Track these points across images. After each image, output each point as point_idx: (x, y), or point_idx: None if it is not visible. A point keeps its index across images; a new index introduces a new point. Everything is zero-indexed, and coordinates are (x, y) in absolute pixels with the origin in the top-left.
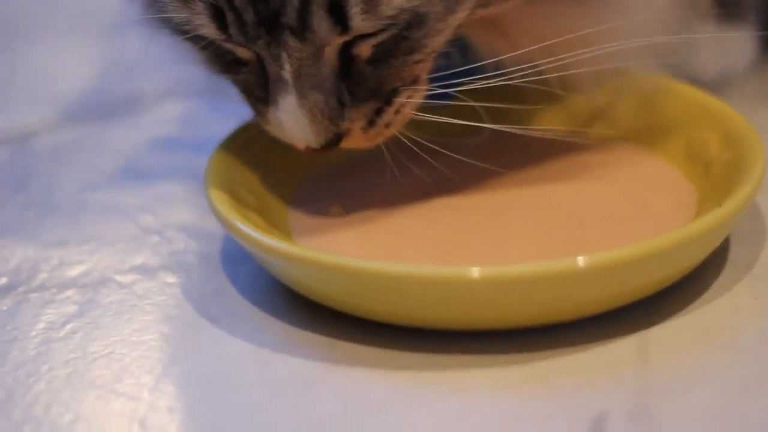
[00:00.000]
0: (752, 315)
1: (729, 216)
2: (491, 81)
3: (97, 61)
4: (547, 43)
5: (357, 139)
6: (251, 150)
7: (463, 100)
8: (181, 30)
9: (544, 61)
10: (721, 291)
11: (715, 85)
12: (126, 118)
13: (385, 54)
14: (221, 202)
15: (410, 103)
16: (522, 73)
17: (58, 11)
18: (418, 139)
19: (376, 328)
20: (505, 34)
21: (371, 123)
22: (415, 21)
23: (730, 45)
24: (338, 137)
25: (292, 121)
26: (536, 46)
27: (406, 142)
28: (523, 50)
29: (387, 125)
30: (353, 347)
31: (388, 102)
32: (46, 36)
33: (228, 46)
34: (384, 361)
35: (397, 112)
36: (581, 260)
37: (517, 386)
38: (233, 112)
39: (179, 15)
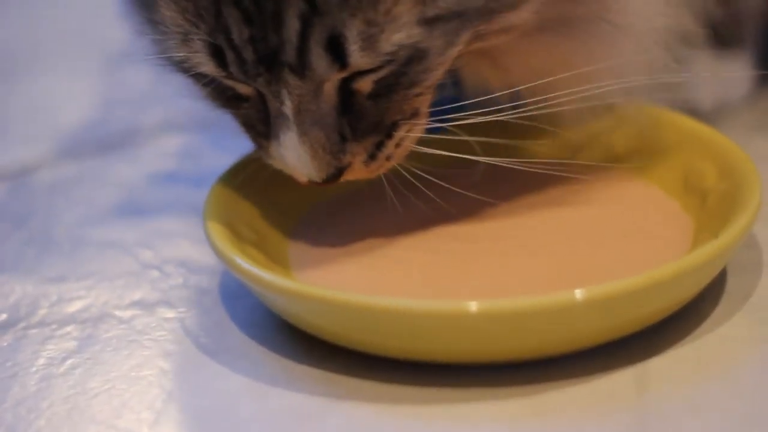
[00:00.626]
0: (750, 346)
1: (726, 247)
2: (485, 116)
3: (96, 96)
4: (542, 81)
5: (358, 172)
6: (250, 184)
7: (457, 134)
8: (181, 67)
9: (538, 98)
10: (719, 322)
11: (712, 116)
12: (125, 152)
13: (385, 89)
14: (219, 236)
15: (410, 136)
16: (516, 110)
17: (57, 45)
18: (417, 171)
19: (375, 362)
20: (499, 68)
21: (372, 156)
22: (415, 56)
23: (726, 76)
24: (340, 171)
25: (294, 156)
26: (531, 84)
27: (405, 174)
28: (517, 86)
29: (388, 158)
30: (352, 382)
31: (389, 135)
32: (44, 70)
33: (228, 82)
34: (383, 395)
35: (397, 145)
36: (579, 293)
37: (517, 419)
38: (232, 146)
39: (179, 53)
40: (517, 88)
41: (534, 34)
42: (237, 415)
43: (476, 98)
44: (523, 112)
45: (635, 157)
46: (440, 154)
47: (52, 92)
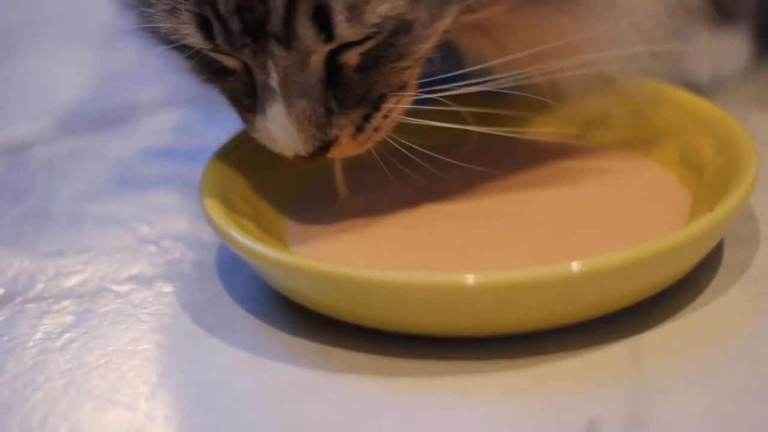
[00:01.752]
0: (746, 318)
1: (722, 220)
2: (478, 86)
3: (92, 72)
4: (535, 49)
5: (346, 146)
6: (246, 158)
7: (448, 105)
8: (168, 39)
9: (533, 68)
10: (715, 294)
11: (709, 90)
12: (121, 128)
13: (372, 61)
14: (216, 211)
15: (398, 108)
16: (511, 79)
17: (53, 22)
18: (411, 145)
19: (372, 335)
20: (493, 39)
21: (360, 129)
22: (401, 28)
23: (723, 49)
24: (327, 145)
25: (280, 129)
26: (525, 52)
27: (399, 147)
28: (511, 55)
29: (376, 130)
30: (349, 355)
31: (377, 107)
32: (40, 47)
33: (214, 55)
34: (380, 368)
35: (385, 117)
36: (575, 266)
37: (512, 392)
38: (228, 120)
39: (165, 24)
40: (512, 56)
41: (526, 6)
42: (234, 389)
43: (472, 68)
44: (520, 81)
45: (632, 131)
46: (433, 127)
47: (49, 69)
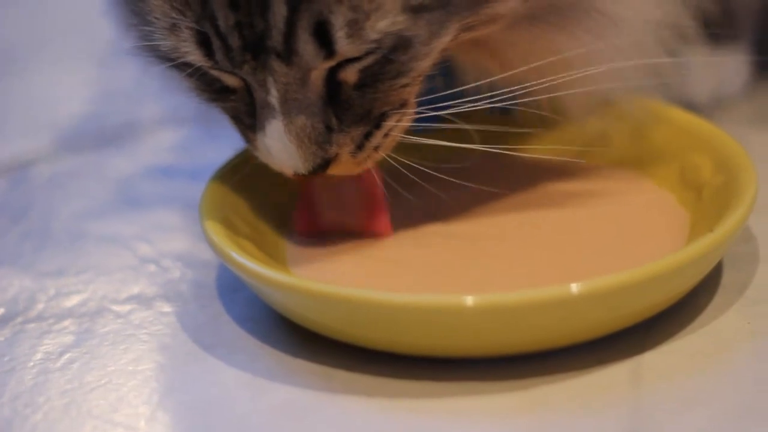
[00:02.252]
0: (745, 339)
1: (721, 241)
2: (480, 104)
3: (93, 90)
4: (536, 64)
5: (345, 164)
6: (247, 179)
7: (454, 123)
8: (168, 57)
9: (534, 83)
10: (714, 315)
11: (707, 109)
12: (122, 146)
13: (371, 78)
14: (216, 231)
15: (399, 126)
16: (512, 95)
17: (53, 40)
18: (410, 163)
19: (372, 356)
20: (494, 55)
21: (360, 147)
22: (400, 45)
23: (722, 68)
24: (326, 162)
25: (280, 146)
26: (524, 68)
27: (397, 166)
28: (513, 71)
29: (376, 149)
30: (349, 376)
31: (377, 126)
32: (41, 65)
33: (215, 73)
34: (380, 389)
35: (385, 135)
36: (574, 287)
37: (512, 412)
38: (228, 139)
39: (166, 42)
40: (513, 71)
41: (524, 24)
42: (233, 409)
43: (469, 86)
44: (521, 98)
45: (631, 150)
46: (432, 145)
47: (50, 86)
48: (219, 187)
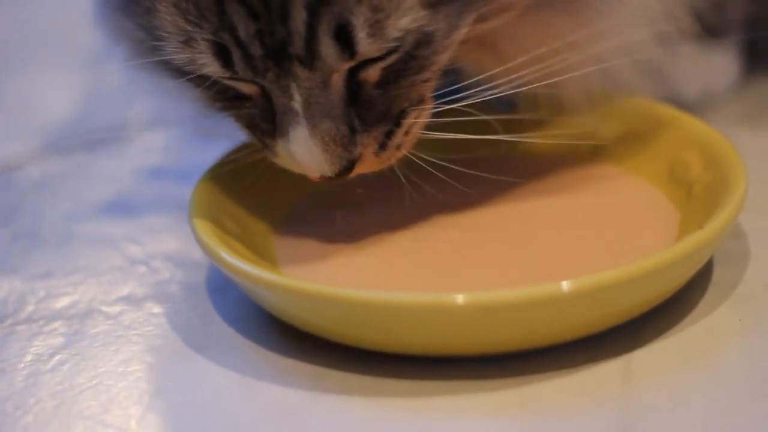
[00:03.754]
0: (736, 336)
1: (711, 238)
2: (485, 95)
3: (81, 92)
4: (541, 51)
5: (369, 164)
6: (236, 179)
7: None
8: (182, 71)
9: (531, 70)
10: (705, 312)
11: (697, 107)
12: (111, 148)
13: (394, 76)
14: (205, 231)
15: (419, 122)
16: (510, 84)
17: (42, 42)
18: (417, 159)
19: (363, 355)
20: (492, 48)
21: (382, 146)
22: (422, 40)
23: (712, 66)
24: (351, 163)
25: (305, 151)
26: (524, 57)
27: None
28: (511, 63)
29: (398, 147)
30: (340, 375)
31: (398, 124)
32: (29, 67)
33: (230, 82)
34: (371, 388)
35: (406, 133)
36: (565, 285)
37: (504, 410)
38: (218, 141)
39: (181, 56)
40: (509, 65)
41: (530, 13)
42: (224, 410)
43: (471, 80)
44: (518, 87)
45: (621, 148)
46: (425, 140)
47: (38, 89)
48: (208, 187)
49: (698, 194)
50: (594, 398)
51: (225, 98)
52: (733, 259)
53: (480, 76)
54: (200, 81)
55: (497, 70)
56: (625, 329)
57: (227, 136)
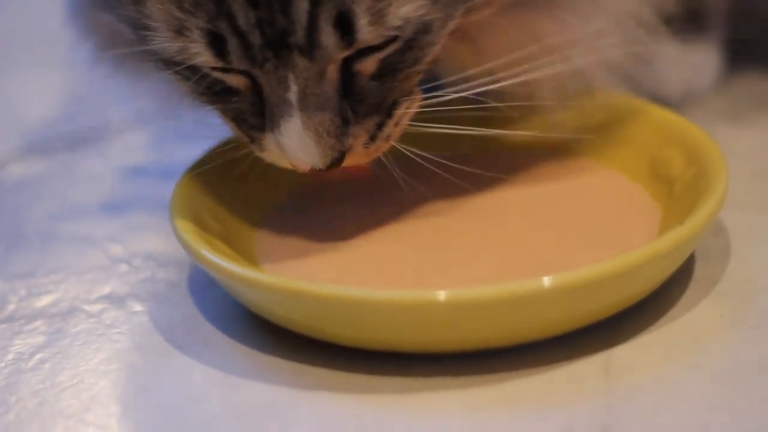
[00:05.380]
0: (718, 332)
1: (691, 234)
2: (465, 91)
3: (63, 91)
4: (515, 55)
5: (358, 155)
6: (217, 177)
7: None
8: (172, 61)
9: (510, 71)
10: (687, 308)
11: (679, 103)
12: (93, 147)
13: (390, 68)
14: (186, 230)
15: (408, 113)
16: (489, 82)
17: (22, 42)
18: (407, 152)
19: (345, 352)
20: (472, 45)
21: (373, 138)
22: (421, 30)
23: (693, 63)
24: (342, 155)
25: (297, 143)
26: (504, 59)
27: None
28: (491, 62)
29: (387, 138)
30: (322, 372)
31: (389, 115)
32: (10, 67)
33: (218, 75)
34: (353, 385)
35: (396, 124)
36: (546, 281)
37: (485, 407)
38: (199, 139)
39: (171, 46)
40: (488, 65)
41: (511, 12)
42: (206, 408)
43: (450, 78)
44: (495, 85)
45: (603, 145)
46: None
47: (19, 88)
48: (189, 185)
49: (680, 191)
50: (575, 394)
51: (211, 92)
52: (714, 255)
53: (458, 75)
54: (186, 73)
55: (476, 69)
56: (606, 325)
57: (205, 135)
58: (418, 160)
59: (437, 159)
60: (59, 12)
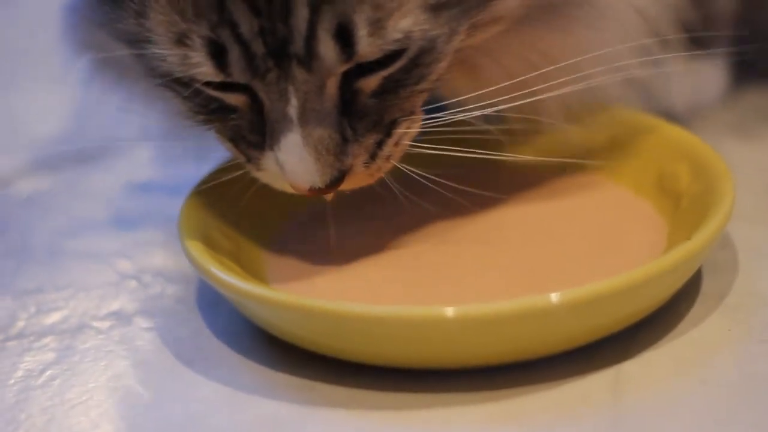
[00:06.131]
0: (725, 346)
1: (699, 249)
2: (468, 113)
3: (70, 107)
4: (518, 79)
5: (359, 176)
6: (226, 193)
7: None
8: (170, 73)
9: (512, 95)
10: (694, 323)
11: (686, 118)
12: (101, 162)
13: (393, 85)
14: (195, 246)
15: (409, 133)
16: (493, 105)
17: (30, 56)
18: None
19: (353, 369)
20: (469, 70)
21: (372, 157)
22: (426, 47)
23: (700, 77)
24: (342, 175)
25: (296, 160)
26: (506, 83)
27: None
28: (491, 86)
29: (387, 158)
30: (330, 389)
31: (389, 134)
32: (17, 83)
33: (216, 93)
34: (361, 402)
35: (396, 144)
36: (554, 297)
37: (493, 423)
38: (208, 155)
39: (172, 57)
40: (488, 89)
41: (516, 29)
42: (215, 424)
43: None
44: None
45: (609, 159)
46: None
47: (27, 104)
48: (198, 201)
49: (686, 205)
50: (583, 410)
51: (208, 110)
52: (721, 269)
53: (462, 97)
54: (184, 91)
55: (477, 93)
56: (614, 340)
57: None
58: (421, 180)
59: (440, 180)
60: (57, 33)
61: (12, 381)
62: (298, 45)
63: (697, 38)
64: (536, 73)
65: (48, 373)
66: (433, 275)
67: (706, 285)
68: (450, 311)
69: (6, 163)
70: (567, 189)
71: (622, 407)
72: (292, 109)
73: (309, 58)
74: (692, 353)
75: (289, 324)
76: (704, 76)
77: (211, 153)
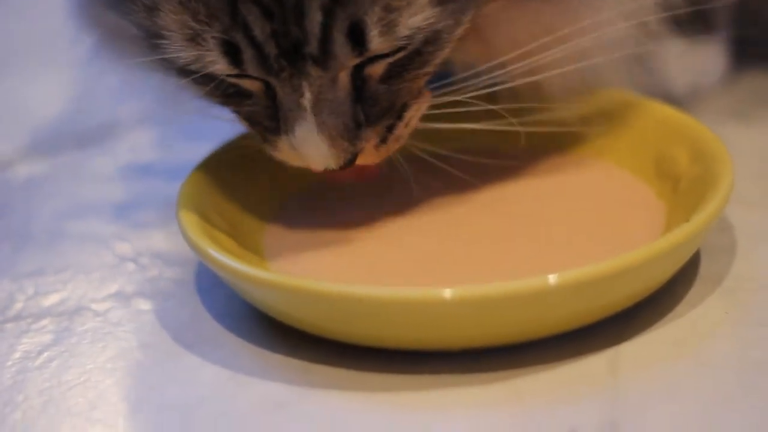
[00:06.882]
0: (723, 328)
1: (697, 231)
2: (481, 87)
3: (70, 90)
4: (524, 48)
5: (369, 156)
6: (224, 175)
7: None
8: (185, 69)
9: (519, 64)
10: (692, 305)
11: (685, 101)
12: (100, 145)
13: (398, 70)
14: (193, 228)
15: (417, 115)
16: (501, 76)
17: (30, 40)
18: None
19: (351, 350)
20: (483, 42)
21: (383, 140)
22: (431, 38)
23: (699, 61)
24: (354, 156)
25: (311, 146)
26: (514, 53)
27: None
28: (501, 57)
29: (397, 139)
30: (329, 370)
31: (400, 117)
32: (17, 66)
33: (232, 80)
34: (360, 383)
35: (406, 125)
36: (552, 278)
37: (491, 404)
38: (207, 137)
39: (185, 54)
40: (498, 60)
41: (520, 3)
42: (213, 405)
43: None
44: (508, 78)
45: (607, 142)
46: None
47: (27, 87)
48: (196, 184)
49: (685, 188)
50: (581, 391)
51: (225, 94)
52: (719, 252)
53: (469, 72)
54: (200, 80)
55: (487, 65)
56: (612, 322)
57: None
58: (425, 156)
59: (443, 153)
60: (64, 10)
61: (9, 362)
62: (312, 46)
63: (696, 20)
64: (538, 43)
65: (45, 354)
66: (430, 256)
67: (704, 268)
68: (447, 292)
69: (5, 146)
70: (565, 170)
71: (620, 388)
72: (306, 101)
73: (324, 57)
74: (690, 335)
75: (287, 306)
76: (704, 59)
77: (212, 133)
